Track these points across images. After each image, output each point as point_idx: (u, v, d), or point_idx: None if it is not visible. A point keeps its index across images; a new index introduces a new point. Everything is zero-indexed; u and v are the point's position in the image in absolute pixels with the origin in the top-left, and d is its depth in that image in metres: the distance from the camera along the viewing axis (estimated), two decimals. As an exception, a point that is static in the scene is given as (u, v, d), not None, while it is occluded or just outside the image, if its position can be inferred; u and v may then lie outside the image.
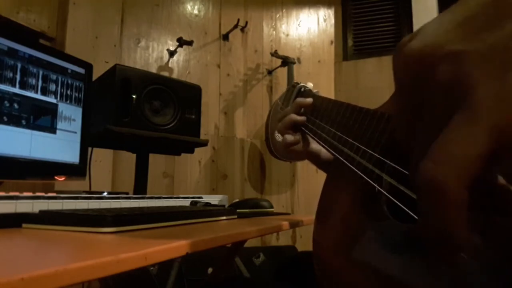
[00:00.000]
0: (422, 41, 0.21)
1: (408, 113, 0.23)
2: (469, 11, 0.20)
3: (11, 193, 0.48)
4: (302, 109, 0.66)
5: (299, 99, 0.66)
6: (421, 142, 0.21)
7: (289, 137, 0.67)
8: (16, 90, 0.67)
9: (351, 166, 0.43)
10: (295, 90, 0.74)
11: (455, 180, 0.17)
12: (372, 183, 0.38)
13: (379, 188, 0.37)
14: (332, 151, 0.50)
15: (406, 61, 0.22)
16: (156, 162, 1.80)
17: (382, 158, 0.38)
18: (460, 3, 0.21)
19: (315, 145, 0.69)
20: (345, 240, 0.41)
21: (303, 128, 0.66)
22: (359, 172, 0.41)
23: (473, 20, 0.20)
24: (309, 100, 0.64)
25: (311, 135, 0.61)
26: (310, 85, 0.72)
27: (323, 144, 0.54)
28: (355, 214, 0.42)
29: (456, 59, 0.19)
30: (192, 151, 1.14)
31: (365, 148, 0.42)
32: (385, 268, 0.32)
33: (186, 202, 0.77)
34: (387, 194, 0.36)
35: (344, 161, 0.45)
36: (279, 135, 1.97)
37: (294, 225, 0.76)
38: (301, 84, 0.75)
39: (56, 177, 0.76)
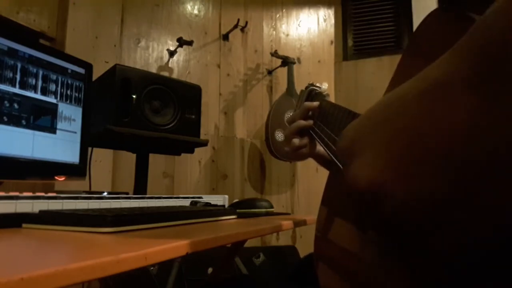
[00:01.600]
0: (359, 174, 0.23)
1: None
2: (403, 142, 0.21)
3: (11, 193, 0.48)
4: (310, 112, 0.68)
5: (307, 103, 0.68)
6: None
7: (296, 141, 0.70)
8: (16, 90, 0.67)
9: None
10: (306, 92, 0.75)
11: None
12: None
13: None
14: (336, 160, 0.50)
15: (349, 188, 0.25)
16: (156, 162, 1.80)
17: None
18: (388, 122, 0.22)
19: (320, 148, 0.72)
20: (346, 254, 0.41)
21: (310, 132, 0.68)
22: None
23: (409, 157, 0.21)
24: (316, 103, 0.67)
25: (318, 140, 0.63)
26: (325, 85, 0.72)
27: (328, 152, 0.55)
28: (352, 229, 0.42)
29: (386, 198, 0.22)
30: (192, 151, 1.14)
31: None
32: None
33: (186, 202, 0.77)
34: None
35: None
36: (279, 135, 1.98)
37: (295, 225, 0.76)
38: (313, 86, 0.75)
39: (56, 177, 0.76)
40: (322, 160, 0.75)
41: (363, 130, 0.24)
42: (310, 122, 0.67)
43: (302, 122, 0.68)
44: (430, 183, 0.19)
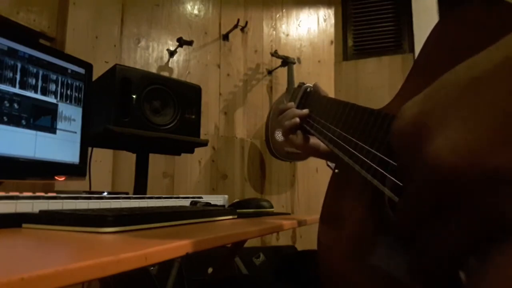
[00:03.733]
0: (449, 149, 0.17)
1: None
2: (501, 108, 0.16)
3: (11, 193, 0.48)
4: (297, 118, 0.71)
5: (296, 111, 0.71)
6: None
7: (294, 138, 0.73)
8: (16, 90, 0.67)
9: (357, 167, 0.43)
10: (301, 90, 0.75)
11: None
12: (378, 183, 0.38)
13: (383, 188, 0.37)
14: (337, 150, 0.50)
15: (434, 172, 0.18)
16: (156, 162, 1.80)
17: (386, 158, 0.38)
18: (484, 85, 0.17)
19: (314, 140, 0.74)
20: (354, 243, 0.41)
21: (304, 125, 0.69)
22: (363, 172, 0.41)
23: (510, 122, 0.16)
24: (305, 111, 0.70)
25: (314, 133, 0.64)
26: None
27: (328, 143, 0.55)
28: (363, 215, 0.42)
29: (503, 183, 0.16)
30: (192, 151, 1.14)
31: (369, 148, 0.42)
32: (392, 271, 0.32)
33: (186, 202, 0.77)
34: (390, 193, 0.36)
35: (349, 160, 0.45)
36: (279, 135, 1.98)
37: (295, 225, 0.76)
38: (307, 84, 0.76)
39: (56, 177, 0.76)
40: (318, 152, 0.77)
41: (437, 101, 0.19)
42: (306, 111, 0.69)
43: (296, 120, 0.71)
44: None
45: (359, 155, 0.43)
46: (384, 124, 0.40)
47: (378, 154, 0.40)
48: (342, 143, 0.50)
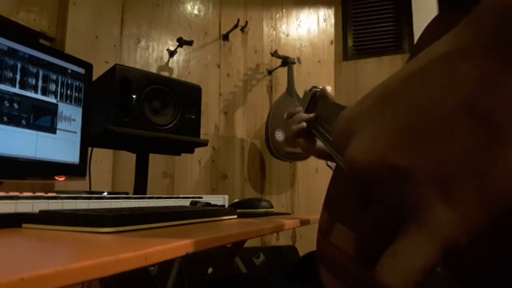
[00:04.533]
0: (359, 150, 0.21)
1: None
2: (406, 113, 0.19)
3: (11, 193, 0.48)
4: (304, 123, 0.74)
5: (304, 115, 0.74)
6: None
7: (302, 141, 0.77)
8: (16, 90, 0.67)
9: None
10: (310, 94, 0.76)
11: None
12: None
13: None
14: (337, 156, 0.51)
15: (349, 171, 0.22)
16: (156, 162, 1.80)
17: None
18: (394, 93, 0.20)
19: (321, 143, 0.77)
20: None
21: (311, 130, 0.72)
22: None
23: (413, 127, 0.19)
24: (311, 115, 0.72)
25: (319, 137, 0.67)
26: (328, 88, 0.74)
27: (329, 146, 0.56)
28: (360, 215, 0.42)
29: (401, 177, 0.19)
30: (192, 151, 1.14)
31: None
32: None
33: (186, 202, 0.77)
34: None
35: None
36: (279, 135, 1.98)
37: (295, 225, 0.76)
38: (316, 88, 0.77)
39: (56, 177, 0.76)
40: (323, 154, 0.79)
41: (361, 108, 0.23)
42: (312, 115, 0.72)
43: (303, 125, 0.73)
44: (435, 154, 0.18)
45: None
46: None
47: None
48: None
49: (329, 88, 0.74)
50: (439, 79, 0.18)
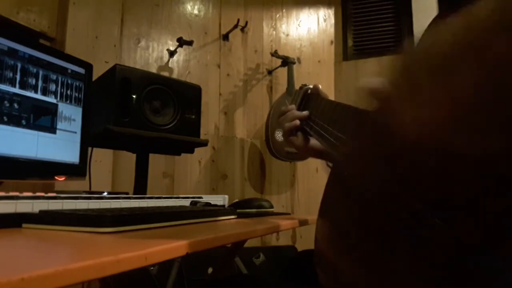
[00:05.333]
0: (418, 127, 0.20)
1: None
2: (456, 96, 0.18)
3: (11, 193, 0.48)
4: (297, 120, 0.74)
5: (296, 113, 0.74)
6: None
7: (295, 139, 0.75)
8: (16, 90, 0.67)
9: None
10: (302, 92, 0.76)
11: None
12: None
13: None
14: (333, 152, 0.51)
15: (398, 137, 0.21)
16: (156, 162, 1.80)
17: None
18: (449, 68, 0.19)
19: (314, 141, 0.75)
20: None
21: (305, 127, 0.71)
22: None
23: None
24: (305, 113, 0.72)
25: (313, 134, 0.65)
26: (320, 86, 0.75)
27: (325, 145, 0.55)
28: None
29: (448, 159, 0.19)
30: (192, 151, 1.14)
31: None
32: None
33: (186, 202, 0.77)
34: None
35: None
36: (279, 135, 1.98)
37: (295, 225, 0.76)
38: (308, 86, 0.77)
39: (56, 177, 0.76)
40: (318, 153, 0.78)
41: (428, 64, 0.21)
42: (306, 113, 0.71)
43: (297, 121, 0.72)
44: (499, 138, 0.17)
45: None
46: None
47: None
48: (338, 145, 0.50)
49: (320, 87, 0.75)
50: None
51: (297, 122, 0.72)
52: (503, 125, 0.17)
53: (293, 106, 0.76)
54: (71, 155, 0.78)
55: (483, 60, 0.17)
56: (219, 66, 2.14)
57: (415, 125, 0.20)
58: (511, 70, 0.16)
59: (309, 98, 0.74)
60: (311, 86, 0.76)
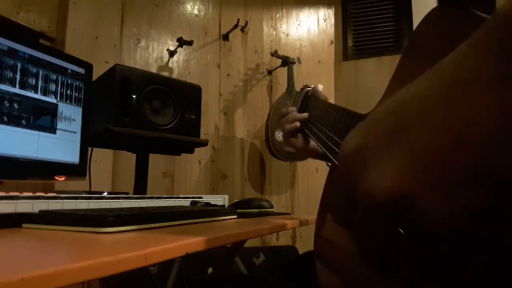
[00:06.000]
0: (379, 183, 0.21)
1: None
2: (417, 149, 0.19)
3: (11, 193, 0.48)
4: (298, 122, 0.74)
5: (297, 115, 0.74)
6: None
7: (294, 141, 0.76)
8: (16, 90, 0.67)
9: None
10: (302, 94, 0.76)
11: None
12: None
13: None
14: (330, 155, 0.52)
15: (365, 201, 0.23)
16: (156, 162, 1.80)
17: None
18: (410, 121, 0.20)
19: (314, 143, 0.75)
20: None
21: (304, 130, 0.71)
22: None
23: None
24: (305, 115, 0.72)
25: (312, 137, 0.65)
26: (320, 87, 0.75)
27: (323, 148, 0.56)
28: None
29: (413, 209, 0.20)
30: (192, 151, 1.14)
31: None
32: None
33: (186, 202, 0.77)
34: None
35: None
36: (279, 135, 1.98)
37: (295, 225, 0.76)
38: (309, 88, 0.77)
39: (56, 177, 0.76)
40: (317, 154, 0.79)
41: (373, 134, 0.22)
42: (306, 115, 0.72)
43: (296, 124, 0.73)
44: (469, 196, 0.17)
45: None
46: None
47: None
48: (335, 148, 0.51)
49: (320, 87, 0.75)
50: (461, 108, 0.17)
51: (297, 124, 0.72)
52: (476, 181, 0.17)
53: (294, 108, 0.77)
54: (71, 155, 0.78)
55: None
56: (219, 66, 2.14)
57: (380, 185, 0.21)
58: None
59: (309, 99, 0.74)
60: (311, 87, 0.76)
